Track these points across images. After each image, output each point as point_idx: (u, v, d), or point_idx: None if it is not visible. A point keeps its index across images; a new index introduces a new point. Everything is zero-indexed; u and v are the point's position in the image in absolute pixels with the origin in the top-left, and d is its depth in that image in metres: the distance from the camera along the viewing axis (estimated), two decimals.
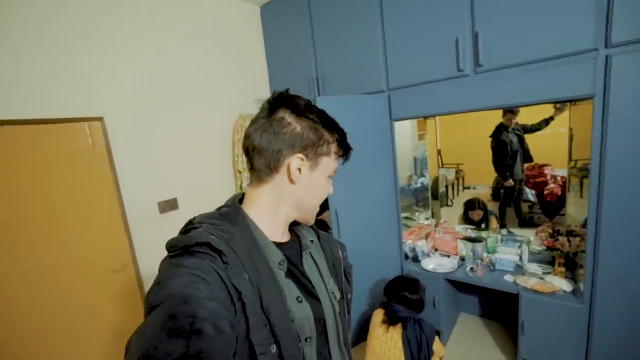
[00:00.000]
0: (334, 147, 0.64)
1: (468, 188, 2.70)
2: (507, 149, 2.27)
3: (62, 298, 1.66)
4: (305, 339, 0.59)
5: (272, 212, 0.64)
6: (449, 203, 2.80)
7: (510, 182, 2.32)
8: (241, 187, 2.42)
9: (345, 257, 0.81)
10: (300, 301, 0.59)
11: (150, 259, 1.95)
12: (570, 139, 1.91)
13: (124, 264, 1.83)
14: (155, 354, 0.37)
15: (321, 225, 2.86)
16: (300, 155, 0.60)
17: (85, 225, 1.72)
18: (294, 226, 0.73)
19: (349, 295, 0.78)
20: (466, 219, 2.61)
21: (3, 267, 1.50)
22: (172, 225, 2.05)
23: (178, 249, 0.50)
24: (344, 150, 0.67)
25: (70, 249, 1.68)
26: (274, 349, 0.52)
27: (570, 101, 1.63)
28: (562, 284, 1.77)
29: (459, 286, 2.44)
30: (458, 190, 2.78)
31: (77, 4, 1.67)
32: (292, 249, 0.68)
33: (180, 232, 0.58)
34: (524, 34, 1.56)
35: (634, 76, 1.33)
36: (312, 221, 0.69)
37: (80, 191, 1.71)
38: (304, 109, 0.60)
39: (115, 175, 1.82)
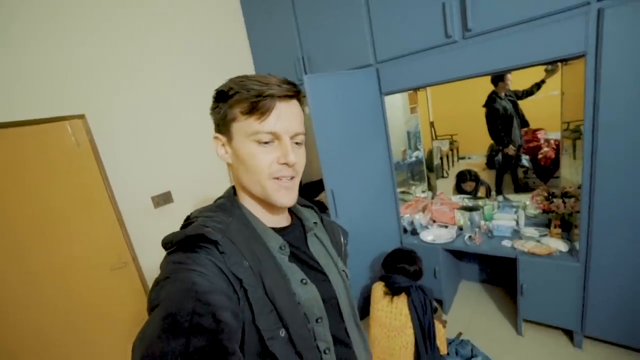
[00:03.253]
0: (237, 109, 0.56)
1: (463, 158, 2.70)
2: (499, 116, 2.25)
3: (63, 299, 1.66)
4: (316, 320, 0.58)
5: (252, 197, 0.63)
6: (445, 174, 2.81)
7: (512, 148, 2.30)
8: None
9: (345, 244, 0.80)
10: (305, 283, 0.59)
11: (152, 255, 1.95)
12: (562, 101, 1.89)
13: (124, 261, 1.83)
14: (156, 353, 0.37)
15: (319, 206, 2.86)
16: (215, 135, 0.61)
17: (78, 225, 1.70)
18: (293, 209, 0.72)
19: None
20: (459, 190, 2.62)
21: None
22: (168, 219, 2.04)
23: (173, 245, 0.51)
24: (248, 105, 0.54)
25: (65, 250, 1.66)
26: (282, 332, 0.52)
27: (562, 61, 1.59)
28: (558, 245, 1.80)
29: (459, 255, 2.49)
30: (453, 161, 2.78)
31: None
32: (295, 232, 0.67)
33: (180, 228, 0.58)
34: None
35: (627, 30, 1.28)
36: (277, 199, 0.59)
37: (69, 192, 1.67)
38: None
39: (104, 173, 1.78)
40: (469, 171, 2.55)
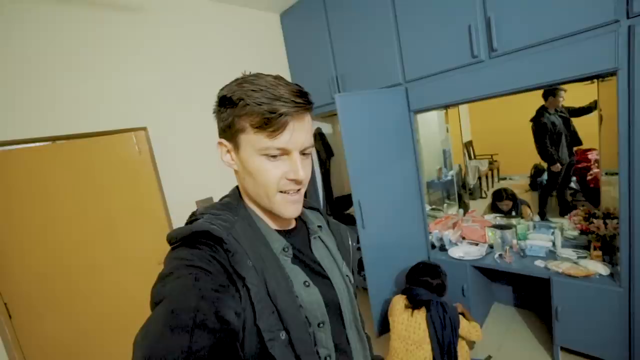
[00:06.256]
0: (246, 121, 0.53)
1: (504, 179, 2.60)
2: (546, 131, 2.15)
3: (118, 291, 1.92)
4: (318, 324, 0.57)
5: (256, 204, 0.63)
6: (484, 195, 2.71)
7: (558, 166, 2.20)
8: None
9: (353, 247, 0.80)
10: (308, 285, 0.58)
11: None
12: (600, 119, 1.82)
13: None
14: (159, 351, 0.36)
15: (349, 220, 2.93)
16: (219, 140, 0.60)
17: (136, 225, 1.96)
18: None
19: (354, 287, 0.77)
20: (495, 210, 2.54)
21: (67, 264, 1.79)
22: None
23: (178, 241, 0.51)
24: (260, 120, 0.51)
25: (123, 247, 1.93)
26: (283, 335, 0.51)
27: (594, 78, 1.57)
28: (597, 268, 1.70)
29: (492, 276, 2.40)
30: (493, 181, 2.69)
31: (115, 33, 1.92)
32: (299, 235, 0.68)
33: (185, 224, 0.57)
34: (538, 13, 1.54)
35: None
36: (284, 212, 0.59)
37: (130, 194, 1.95)
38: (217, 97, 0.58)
39: (158, 178, 2.05)
40: (505, 189, 2.47)
